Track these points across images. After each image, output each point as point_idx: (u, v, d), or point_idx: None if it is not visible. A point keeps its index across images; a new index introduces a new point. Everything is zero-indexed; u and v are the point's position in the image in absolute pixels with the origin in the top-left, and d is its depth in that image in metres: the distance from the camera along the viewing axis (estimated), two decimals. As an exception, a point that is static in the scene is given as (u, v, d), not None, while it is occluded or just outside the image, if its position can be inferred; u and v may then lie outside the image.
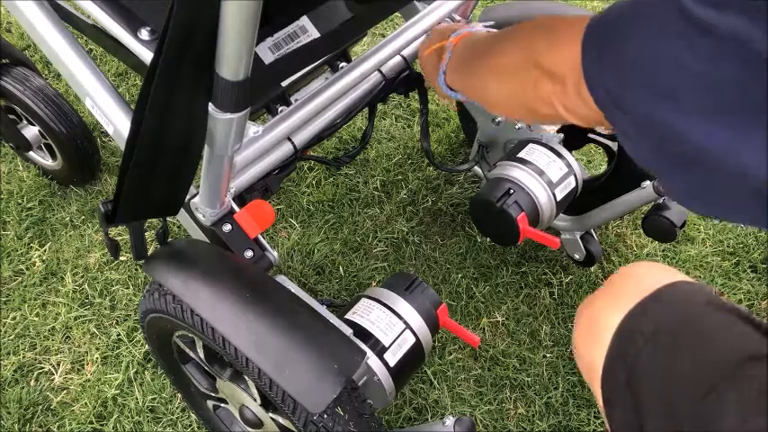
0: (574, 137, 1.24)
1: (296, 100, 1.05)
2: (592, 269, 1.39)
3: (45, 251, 1.38)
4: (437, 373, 1.24)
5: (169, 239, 0.90)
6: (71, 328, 1.28)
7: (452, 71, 0.86)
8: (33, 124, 1.38)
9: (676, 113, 0.47)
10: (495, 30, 0.89)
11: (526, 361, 1.27)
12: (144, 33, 0.84)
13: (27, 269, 1.36)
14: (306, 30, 0.98)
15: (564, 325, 1.31)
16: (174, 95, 0.61)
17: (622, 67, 0.52)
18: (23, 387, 1.20)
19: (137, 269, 1.35)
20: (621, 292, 0.76)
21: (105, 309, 1.30)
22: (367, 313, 0.93)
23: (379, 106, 1.21)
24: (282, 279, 0.90)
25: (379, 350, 0.89)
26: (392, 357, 0.90)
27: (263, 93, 1.00)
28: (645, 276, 0.76)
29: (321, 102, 0.99)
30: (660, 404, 0.64)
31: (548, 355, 1.27)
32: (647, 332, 0.69)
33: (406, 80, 1.16)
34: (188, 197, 0.91)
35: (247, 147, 0.94)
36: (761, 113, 0.43)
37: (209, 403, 1.07)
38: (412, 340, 0.92)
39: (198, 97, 0.63)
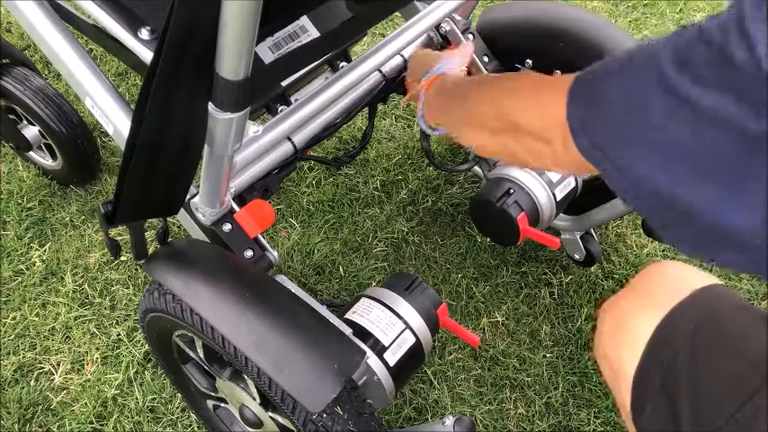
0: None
1: (296, 100, 1.05)
2: (592, 269, 1.39)
3: (45, 251, 1.38)
4: (437, 372, 1.24)
5: (169, 239, 0.91)
6: (71, 328, 1.28)
7: (429, 115, 0.89)
8: (33, 124, 1.38)
9: (663, 174, 0.49)
10: (464, 74, 0.94)
11: (526, 361, 1.27)
12: (144, 33, 0.84)
13: (27, 269, 1.36)
14: (306, 29, 0.98)
15: (564, 325, 1.31)
16: (174, 95, 0.62)
17: (608, 121, 0.53)
18: (23, 387, 1.20)
19: (137, 269, 1.36)
20: (651, 293, 0.75)
21: (105, 309, 1.30)
22: (367, 313, 0.93)
23: (379, 106, 1.21)
24: (282, 279, 0.90)
25: (379, 350, 0.89)
26: (392, 357, 0.90)
27: (263, 92, 1.00)
28: (676, 278, 0.76)
29: (321, 101, 0.99)
30: (697, 409, 0.63)
31: (548, 355, 1.27)
32: (684, 335, 0.68)
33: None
34: (188, 197, 0.91)
35: (247, 146, 0.94)
36: (749, 179, 0.45)
37: (209, 403, 1.07)
38: (412, 340, 0.92)
39: (198, 97, 0.63)
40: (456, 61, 0.96)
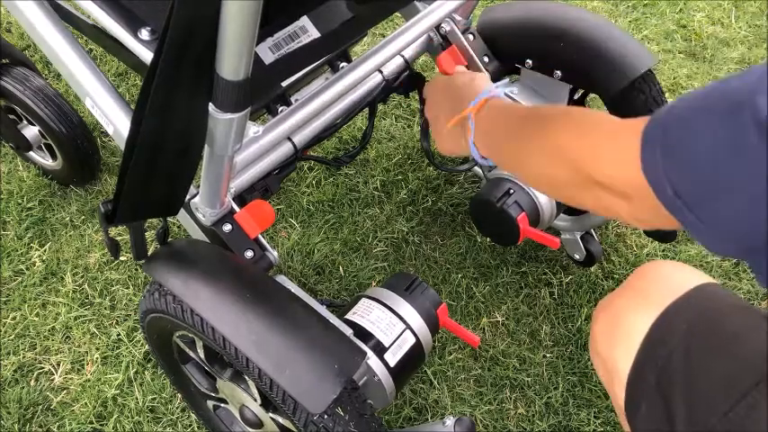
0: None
1: (296, 100, 1.05)
2: (592, 269, 1.39)
3: (45, 251, 1.38)
4: (437, 373, 1.24)
5: (169, 239, 0.90)
6: (71, 328, 1.28)
7: (481, 143, 0.80)
8: (33, 124, 1.38)
9: (754, 215, 0.46)
10: (517, 101, 0.82)
11: (526, 361, 1.27)
12: (144, 33, 0.84)
13: (27, 269, 1.36)
14: (306, 30, 0.98)
15: (564, 325, 1.31)
16: (174, 95, 0.61)
17: (691, 169, 0.50)
18: (23, 387, 1.20)
19: (137, 269, 1.35)
20: (646, 292, 0.75)
21: (105, 309, 1.30)
22: (367, 313, 0.93)
23: (380, 106, 1.21)
24: (282, 279, 0.90)
25: (380, 350, 0.89)
26: (392, 357, 0.90)
27: (264, 93, 1.00)
28: (671, 277, 0.76)
29: (321, 102, 0.99)
30: (692, 408, 0.64)
31: (548, 355, 1.27)
32: (679, 334, 0.68)
33: (407, 80, 1.16)
34: (188, 197, 0.91)
35: (247, 147, 0.94)
36: None
37: (210, 403, 1.07)
38: (412, 340, 0.92)
39: (198, 97, 0.63)
40: (499, 93, 0.86)
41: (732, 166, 0.47)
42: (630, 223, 0.61)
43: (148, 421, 1.17)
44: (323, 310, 0.84)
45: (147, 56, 0.83)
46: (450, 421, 0.87)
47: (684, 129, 0.50)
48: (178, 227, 1.37)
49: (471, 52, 1.18)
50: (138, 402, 1.18)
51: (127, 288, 1.33)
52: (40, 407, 1.18)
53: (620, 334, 0.74)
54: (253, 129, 0.75)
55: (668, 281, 0.75)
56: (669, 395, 0.66)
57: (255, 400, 0.90)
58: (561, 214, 1.31)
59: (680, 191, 0.50)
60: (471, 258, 1.40)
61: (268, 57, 0.97)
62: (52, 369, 1.23)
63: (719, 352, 0.65)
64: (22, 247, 1.39)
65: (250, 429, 1.00)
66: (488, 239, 1.42)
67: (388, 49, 1.04)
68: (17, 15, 0.91)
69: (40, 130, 1.39)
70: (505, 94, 1.14)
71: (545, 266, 1.39)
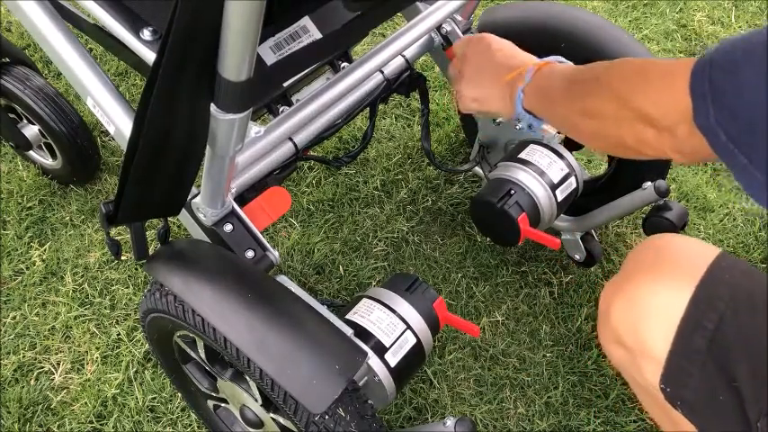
0: (573, 142, 1.24)
1: (297, 100, 1.05)
2: (592, 269, 1.39)
3: (45, 250, 1.38)
4: (437, 372, 1.24)
5: (170, 239, 0.90)
6: (71, 327, 1.28)
7: (531, 96, 0.86)
8: (33, 123, 1.38)
9: None
10: (572, 65, 0.89)
11: (526, 360, 1.27)
12: (146, 34, 0.84)
13: (27, 268, 1.36)
14: (307, 30, 0.98)
15: (564, 324, 1.31)
16: (176, 96, 0.61)
17: (742, 113, 0.52)
18: (23, 386, 1.20)
19: (137, 268, 1.35)
20: (661, 270, 0.78)
21: (105, 308, 1.30)
22: (368, 314, 0.93)
23: (380, 106, 1.21)
24: (283, 279, 0.90)
25: (380, 351, 0.89)
26: (393, 358, 0.90)
27: (265, 93, 0.99)
28: (685, 251, 0.80)
29: (322, 102, 0.99)
30: (754, 359, 0.67)
31: (548, 355, 1.28)
32: (724, 299, 0.71)
33: (408, 81, 1.16)
34: (189, 197, 0.91)
35: (249, 147, 0.94)
36: None
37: (210, 403, 1.07)
38: (413, 341, 0.92)
39: (200, 98, 0.63)
40: (558, 61, 0.94)
41: None
42: (672, 157, 0.64)
43: (148, 421, 1.17)
44: (324, 311, 0.84)
45: (148, 56, 0.83)
46: (450, 421, 0.87)
47: (732, 75, 0.53)
48: (179, 227, 1.37)
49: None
50: (137, 402, 1.18)
51: (127, 287, 1.33)
52: (40, 406, 1.18)
53: (649, 314, 0.76)
54: (254, 129, 0.75)
55: (685, 256, 0.79)
56: (725, 355, 0.69)
57: (256, 401, 0.90)
58: (562, 215, 1.31)
59: (732, 136, 0.53)
60: (471, 258, 1.40)
61: (269, 57, 0.97)
62: (52, 368, 1.23)
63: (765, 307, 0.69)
64: (22, 246, 1.39)
65: (250, 429, 1.00)
66: (488, 239, 1.42)
67: (389, 50, 1.04)
68: (19, 15, 0.91)
69: (40, 130, 1.39)
70: None
71: (545, 266, 1.40)
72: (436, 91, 1.72)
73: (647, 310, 0.76)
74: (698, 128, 0.56)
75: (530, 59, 0.91)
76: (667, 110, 0.61)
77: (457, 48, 1.04)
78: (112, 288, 1.33)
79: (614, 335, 0.80)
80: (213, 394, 1.03)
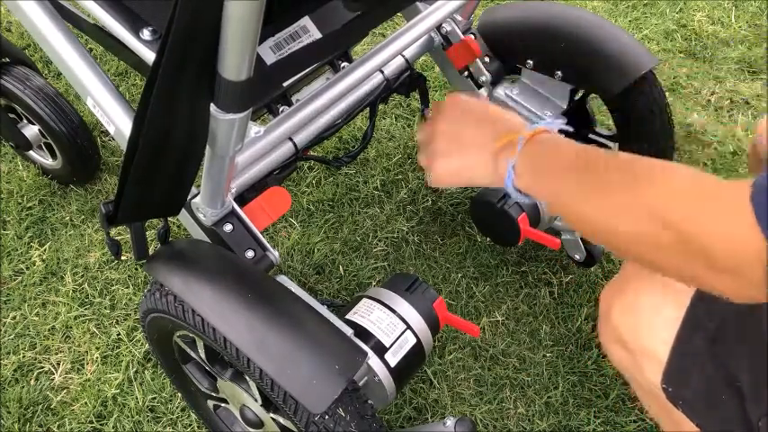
0: (574, 137, 1.23)
1: (297, 100, 1.05)
2: (592, 269, 1.39)
3: (45, 250, 1.38)
4: (437, 372, 1.24)
5: (170, 239, 0.90)
6: (71, 327, 1.28)
7: (525, 175, 0.68)
8: (33, 123, 1.38)
9: None
10: (574, 142, 0.70)
11: (526, 360, 1.27)
12: (146, 34, 0.83)
13: (27, 268, 1.36)
14: (307, 30, 0.98)
15: (564, 324, 1.31)
16: (176, 96, 0.61)
17: None
18: (23, 386, 1.20)
19: (137, 268, 1.35)
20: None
21: (105, 308, 1.30)
22: (368, 314, 0.93)
23: (380, 106, 1.21)
24: (283, 279, 0.90)
25: (380, 351, 0.89)
26: (393, 358, 0.90)
27: (265, 93, 0.99)
28: None
29: (322, 102, 0.99)
30: (754, 362, 0.67)
31: (548, 355, 1.27)
32: (725, 299, 0.69)
33: (408, 80, 1.16)
34: (189, 197, 0.91)
35: (249, 147, 0.94)
36: None
37: (210, 403, 1.07)
38: (413, 341, 0.92)
39: (200, 98, 0.63)
40: (558, 125, 0.74)
41: None
42: (732, 298, 0.54)
43: (148, 421, 1.17)
44: (324, 311, 0.84)
45: (148, 56, 0.83)
46: (450, 421, 0.87)
47: None
48: (179, 227, 1.37)
49: (472, 52, 1.18)
50: (137, 402, 1.18)
51: (127, 287, 1.33)
52: (40, 406, 1.18)
53: (650, 314, 0.76)
54: (254, 129, 0.75)
55: None
56: (724, 353, 0.69)
57: (256, 401, 0.90)
58: (561, 214, 1.31)
59: None
60: (471, 258, 1.40)
61: (269, 57, 0.97)
62: (52, 368, 1.23)
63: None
64: (22, 246, 1.39)
65: (250, 429, 1.00)
66: (488, 239, 1.42)
67: (389, 50, 1.04)
68: (20, 16, 0.91)
69: (40, 130, 1.39)
70: (506, 95, 1.12)
71: (545, 266, 1.40)
72: (436, 91, 1.72)
73: (648, 309, 0.76)
74: None
75: (520, 125, 0.72)
76: (727, 237, 0.50)
77: (430, 110, 0.85)
78: (112, 288, 1.33)
79: (615, 335, 0.80)
80: (213, 394, 1.03)
